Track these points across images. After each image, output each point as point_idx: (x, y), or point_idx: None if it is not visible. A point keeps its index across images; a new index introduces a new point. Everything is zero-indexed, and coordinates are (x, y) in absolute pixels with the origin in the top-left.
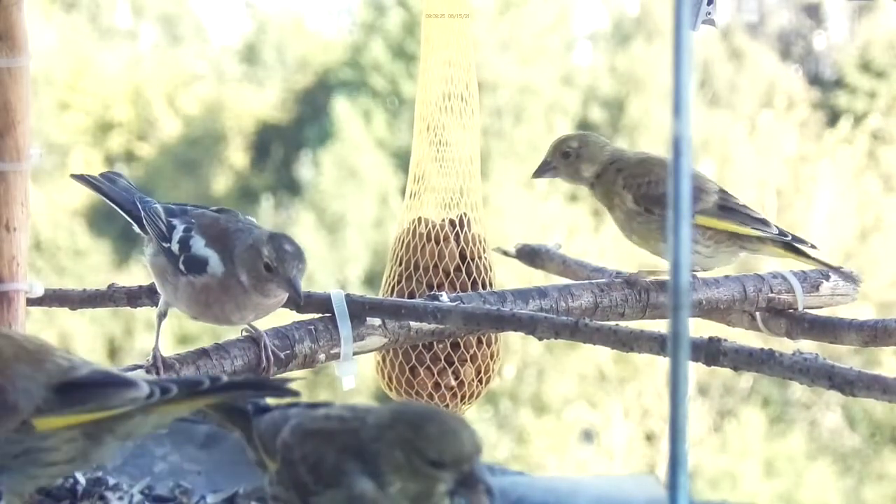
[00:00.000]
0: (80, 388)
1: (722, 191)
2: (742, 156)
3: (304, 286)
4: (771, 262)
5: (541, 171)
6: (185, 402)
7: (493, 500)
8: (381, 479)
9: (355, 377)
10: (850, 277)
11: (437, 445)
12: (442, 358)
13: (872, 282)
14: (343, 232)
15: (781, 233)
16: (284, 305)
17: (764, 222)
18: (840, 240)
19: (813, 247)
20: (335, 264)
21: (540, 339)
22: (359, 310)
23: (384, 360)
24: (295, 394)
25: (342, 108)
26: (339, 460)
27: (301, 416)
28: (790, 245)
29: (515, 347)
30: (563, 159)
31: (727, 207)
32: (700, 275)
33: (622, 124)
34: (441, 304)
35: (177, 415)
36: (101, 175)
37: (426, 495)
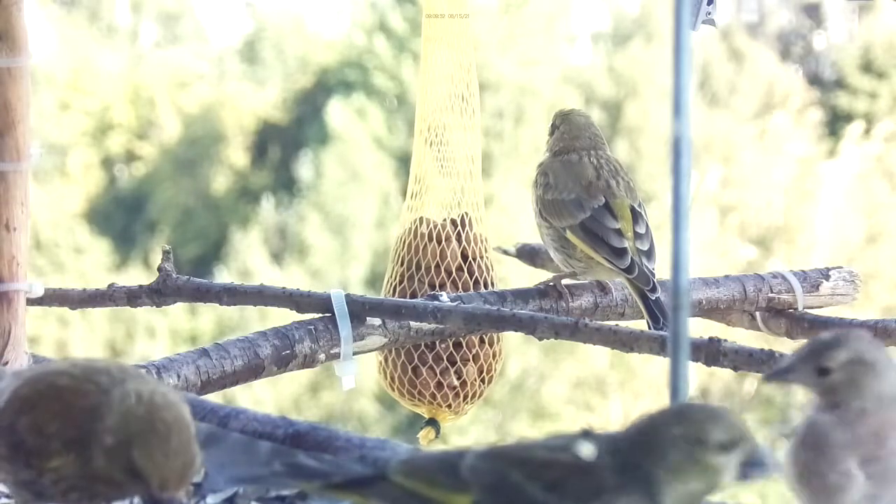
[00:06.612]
0: None
1: (605, 207)
2: (747, 157)
3: (308, 286)
4: (771, 262)
5: None
6: None
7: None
8: (658, 498)
9: (355, 377)
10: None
11: (720, 426)
12: (444, 357)
13: (877, 285)
14: (344, 233)
15: (630, 269)
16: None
17: (619, 253)
18: (846, 242)
19: (653, 290)
20: (337, 265)
21: (540, 339)
22: (359, 310)
23: (386, 360)
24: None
25: (339, 109)
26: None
27: (504, 448)
28: (634, 283)
29: (516, 351)
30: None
31: (588, 229)
32: (701, 275)
33: (620, 126)
34: (441, 304)
35: None
36: None
37: (706, 491)
